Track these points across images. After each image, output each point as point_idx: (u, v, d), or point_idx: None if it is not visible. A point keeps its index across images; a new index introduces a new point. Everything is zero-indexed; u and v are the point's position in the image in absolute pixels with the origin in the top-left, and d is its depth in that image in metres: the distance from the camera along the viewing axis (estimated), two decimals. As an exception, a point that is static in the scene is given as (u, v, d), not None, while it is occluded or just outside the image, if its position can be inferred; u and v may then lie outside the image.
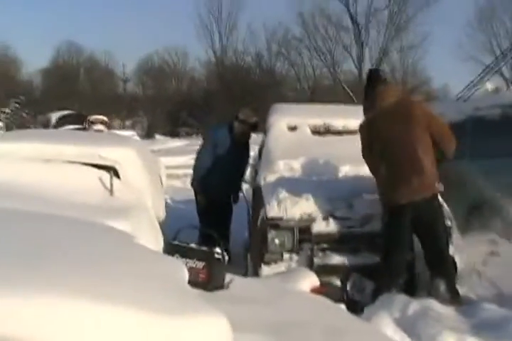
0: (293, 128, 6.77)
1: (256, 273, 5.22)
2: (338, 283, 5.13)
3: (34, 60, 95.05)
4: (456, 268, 5.09)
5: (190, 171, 11.79)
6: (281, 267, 5.11)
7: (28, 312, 1.87)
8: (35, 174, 5.36)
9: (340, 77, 44.76)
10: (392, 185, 4.95)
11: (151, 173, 6.17)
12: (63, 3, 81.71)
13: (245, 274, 5.57)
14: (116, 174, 5.52)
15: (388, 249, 5.04)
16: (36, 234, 2.61)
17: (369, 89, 5.22)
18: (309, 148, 6.26)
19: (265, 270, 5.12)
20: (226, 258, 3.61)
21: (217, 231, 6.96)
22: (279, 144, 6.48)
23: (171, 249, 3.67)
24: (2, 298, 1.88)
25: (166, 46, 58.75)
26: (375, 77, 5.31)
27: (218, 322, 2.31)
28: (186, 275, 2.81)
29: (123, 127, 53.24)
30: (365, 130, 5.23)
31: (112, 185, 5.35)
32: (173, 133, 44.14)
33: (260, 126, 7.41)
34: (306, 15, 45.92)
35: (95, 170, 5.49)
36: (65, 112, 32.96)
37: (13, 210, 3.07)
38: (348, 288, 5.10)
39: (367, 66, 45.10)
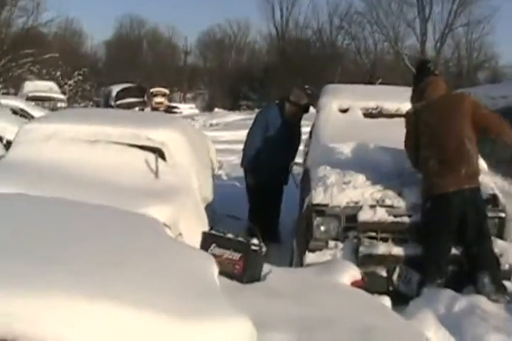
0: (344, 111, 6.58)
1: (300, 260, 5.11)
2: (383, 273, 4.98)
3: (98, 32, 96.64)
4: (499, 263, 4.90)
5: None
6: (325, 255, 4.99)
7: (36, 310, 1.83)
8: (81, 155, 5.36)
9: (403, 52, 43.83)
10: (440, 173, 4.94)
11: (198, 154, 6.10)
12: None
13: (291, 261, 5.48)
14: (162, 156, 5.47)
15: (433, 238, 4.92)
16: (62, 222, 2.57)
17: (418, 79, 5.28)
18: (360, 131, 6.07)
19: (309, 257, 5.00)
20: (264, 249, 3.51)
21: (267, 213, 7.05)
22: (330, 126, 6.32)
23: (208, 238, 3.60)
24: (12, 296, 1.84)
25: (228, 18, 58.74)
26: (425, 69, 5.36)
27: (241, 325, 2.22)
28: (215, 271, 2.72)
29: (184, 100, 53.70)
30: (412, 118, 5.22)
31: (157, 167, 5.31)
32: (234, 107, 44.17)
33: (316, 101, 7.25)
34: (370, -11, 45.08)
35: (141, 151, 5.45)
36: (126, 85, 33.27)
37: (42, 197, 3.04)
38: (393, 279, 4.95)
39: (430, 41, 44.09)
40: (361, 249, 4.95)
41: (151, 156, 5.40)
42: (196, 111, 40.49)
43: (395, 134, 5.77)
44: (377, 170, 5.35)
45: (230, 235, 3.61)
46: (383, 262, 4.95)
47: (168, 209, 4.78)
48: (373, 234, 5.05)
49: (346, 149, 5.77)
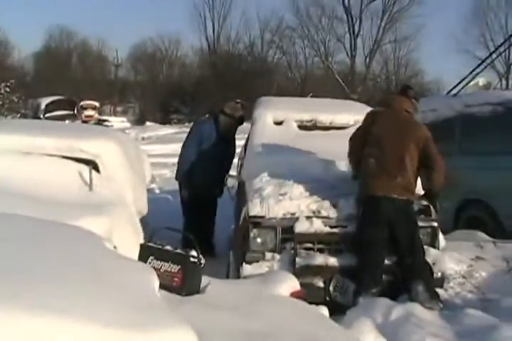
0: (279, 123, 6.62)
1: (237, 273, 5.09)
2: (320, 284, 5.01)
3: (26, 43, 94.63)
4: (432, 272, 5.01)
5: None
6: (262, 266, 4.99)
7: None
8: (11, 167, 5.19)
9: (333, 67, 44.53)
10: (374, 175, 5.09)
11: (133, 167, 6.01)
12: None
13: (227, 273, 5.45)
14: (96, 168, 5.36)
15: (365, 246, 5.03)
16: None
17: (392, 95, 5.78)
18: (296, 143, 6.11)
19: (246, 269, 4.99)
20: (202, 261, 3.47)
21: (201, 226, 7.01)
22: (265, 139, 6.33)
23: (146, 250, 3.54)
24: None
25: (160, 33, 58.51)
26: (403, 92, 5.53)
27: (186, 336, 2.19)
28: (156, 283, 2.68)
29: (114, 113, 53.08)
30: (370, 117, 5.40)
31: (91, 179, 5.19)
32: (165, 120, 43.92)
33: (249, 116, 7.27)
34: (300, 5, 45.75)
35: (74, 163, 5.33)
36: (55, 98, 32.60)
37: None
38: (330, 289, 4.99)
39: (359, 57, 45.06)
40: (298, 260, 4.97)
41: (84, 168, 5.28)
42: (127, 124, 40.09)
43: (329, 146, 5.85)
44: (312, 181, 5.40)
45: (168, 247, 3.56)
46: (320, 273, 4.99)
47: (102, 222, 4.68)
48: (310, 245, 5.08)
49: (282, 161, 5.80)
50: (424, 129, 5.31)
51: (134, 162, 6.16)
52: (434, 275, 5.06)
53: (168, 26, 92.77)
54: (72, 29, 58.44)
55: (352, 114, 6.69)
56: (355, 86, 41.31)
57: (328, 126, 6.58)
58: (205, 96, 43.06)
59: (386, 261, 5.06)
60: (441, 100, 8.90)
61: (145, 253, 3.52)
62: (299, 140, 6.26)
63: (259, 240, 5.07)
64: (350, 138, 5.41)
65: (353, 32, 45.06)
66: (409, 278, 4.96)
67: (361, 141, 5.29)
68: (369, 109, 6.95)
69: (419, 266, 5.00)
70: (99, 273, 2.40)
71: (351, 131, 6.37)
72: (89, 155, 5.41)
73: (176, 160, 7.67)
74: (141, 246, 3.63)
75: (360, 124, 5.50)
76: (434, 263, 5.08)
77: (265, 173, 5.57)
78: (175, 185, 7.85)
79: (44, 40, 59.35)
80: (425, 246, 5.13)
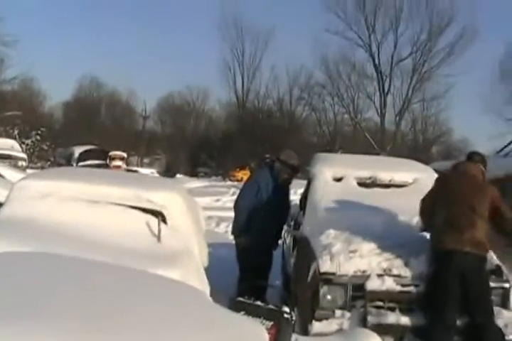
0: (338, 179, 6.62)
1: (305, 330, 5.00)
2: (391, 343, 4.92)
3: (56, 92, 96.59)
4: (503, 334, 4.91)
5: (214, 213, 11.14)
6: (332, 324, 4.91)
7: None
8: (80, 215, 5.22)
9: (362, 125, 44.63)
10: (444, 230, 5.10)
11: (194, 218, 6.03)
12: (88, 37, 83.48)
13: (292, 330, 5.37)
14: (164, 219, 5.37)
15: (436, 301, 4.94)
16: (103, 288, 2.49)
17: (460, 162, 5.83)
18: (357, 200, 6.11)
19: (316, 326, 4.90)
20: (294, 317, 3.44)
21: (256, 279, 6.91)
22: (325, 195, 6.33)
23: (237, 306, 3.52)
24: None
25: (188, 85, 59.36)
26: (470, 158, 5.82)
27: None
28: (267, 339, 2.65)
29: (141, 164, 53.50)
30: (440, 181, 5.55)
31: (159, 230, 5.20)
32: (192, 173, 44.17)
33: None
34: (330, 62, 46.20)
35: (142, 214, 5.35)
36: (88, 147, 33.06)
37: (74, 258, 2.95)
38: (402, 349, 4.89)
39: (389, 114, 45.14)
40: (370, 318, 4.89)
41: (152, 219, 5.30)
42: (157, 176, 40.33)
43: (391, 203, 5.86)
44: (380, 239, 5.37)
45: (259, 302, 3.53)
46: (391, 331, 4.91)
47: (174, 274, 4.65)
48: (380, 303, 5.01)
49: (345, 218, 5.78)
50: (490, 189, 5.39)
51: (194, 213, 6.17)
52: (506, 337, 4.95)
53: (197, 79, 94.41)
54: (102, 80, 59.63)
55: (411, 173, 6.71)
56: (385, 144, 41.30)
57: (387, 183, 6.57)
58: (231, 151, 43.36)
59: (457, 322, 4.96)
60: (491, 160, 8.86)
61: (236, 308, 3.50)
62: (360, 197, 6.26)
63: (329, 297, 5.01)
64: (422, 200, 5.45)
65: (383, 90, 45.19)
66: (481, 340, 4.85)
67: (432, 202, 5.36)
68: (429, 168, 7.02)
69: (491, 327, 4.90)
70: (212, 326, 2.40)
71: (410, 189, 6.41)
72: (157, 206, 5.43)
73: (209, 213, 7.62)
74: (232, 301, 3.61)
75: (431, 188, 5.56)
76: (506, 326, 4.98)
77: (331, 230, 5.54)
78: (214, 238, 7.77)
79: (74, 90, 60.53)
80: (497, 308, 5.03)
